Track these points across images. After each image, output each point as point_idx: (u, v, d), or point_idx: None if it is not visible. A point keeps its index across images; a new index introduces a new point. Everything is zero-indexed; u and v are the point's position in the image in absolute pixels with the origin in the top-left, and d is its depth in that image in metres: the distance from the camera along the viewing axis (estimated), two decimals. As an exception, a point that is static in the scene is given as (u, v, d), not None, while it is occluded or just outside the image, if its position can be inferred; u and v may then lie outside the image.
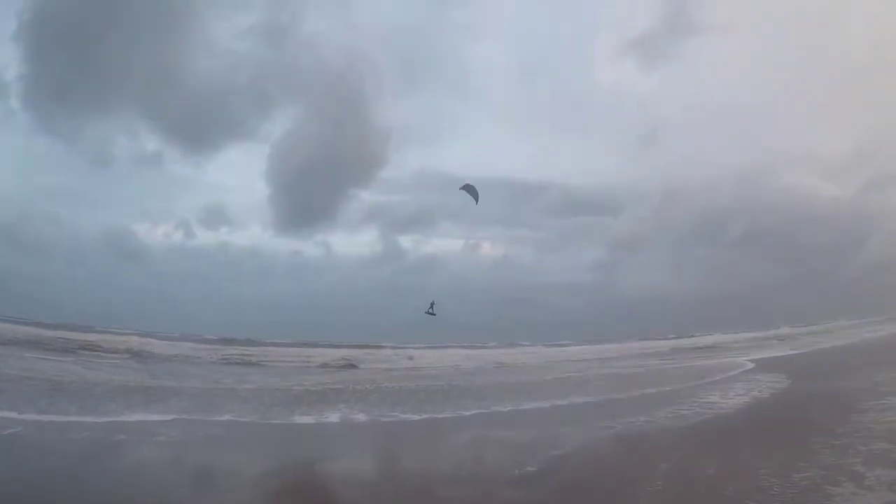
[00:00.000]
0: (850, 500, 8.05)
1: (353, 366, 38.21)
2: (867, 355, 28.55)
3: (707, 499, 8.97)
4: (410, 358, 46.51)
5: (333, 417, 16.38)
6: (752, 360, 30.50)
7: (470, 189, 19.48)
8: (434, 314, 19.78)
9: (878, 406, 13.97)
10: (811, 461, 10.03)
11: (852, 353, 30.34)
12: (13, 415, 13.56)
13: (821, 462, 9.94)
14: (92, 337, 33.65)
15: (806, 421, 13.82)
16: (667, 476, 10.08)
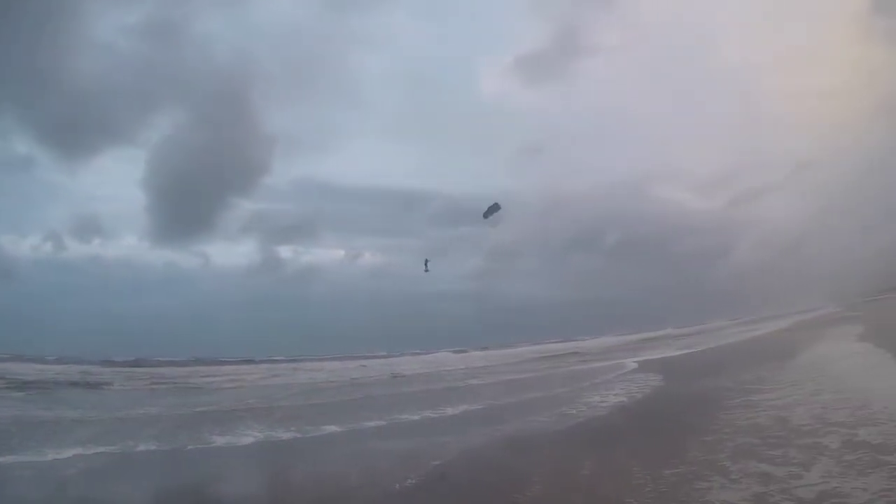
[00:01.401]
0: (718, 493, 8.28)
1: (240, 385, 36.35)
2: (737, 355, 30.62)
3: (584, 499, 9.02)
4: (291, 371, 45.15)
5: (228, 439, 15.90)
6: (635, 362, 31.88)
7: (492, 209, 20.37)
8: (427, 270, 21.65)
9: (743, 403, 14.67)
10: (681, 457, 10.33)
11: (725, 354, 32.43)
12: None
13: (690, 458, 10.23)
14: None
15: (678, 419, 14.33)
16: (545, 479, 10.15)
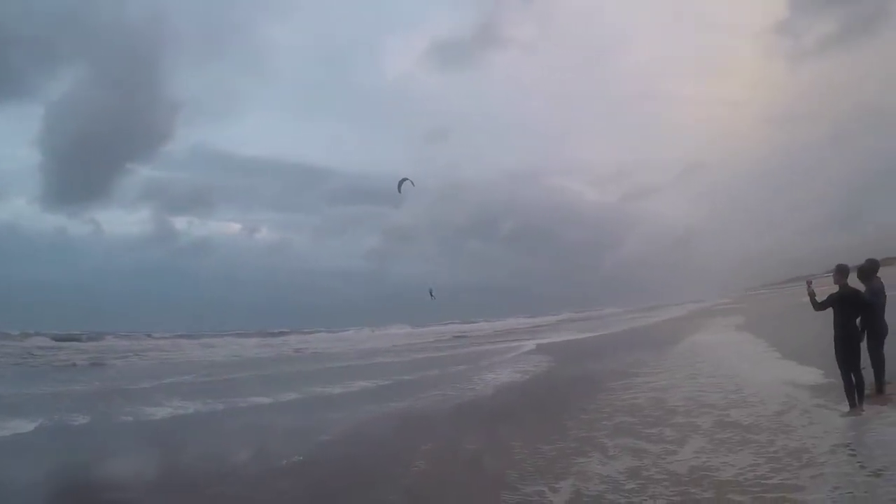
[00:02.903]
0: (595, 467, 8.26)
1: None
2: (623, 341, 32.02)
3: (466, 474, 8.91)
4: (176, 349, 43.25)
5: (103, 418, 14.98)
6: (529, 345, 32.71)
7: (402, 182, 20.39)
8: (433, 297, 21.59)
9: (624, 385, 15.04)
10: (562, 434, 10.44)
11: (612, 339, 33.83)
12: None
13: (571, 435, 10.34)
14: None
15: (561, 398, 14.54)
16: (429, 455, 9.99)
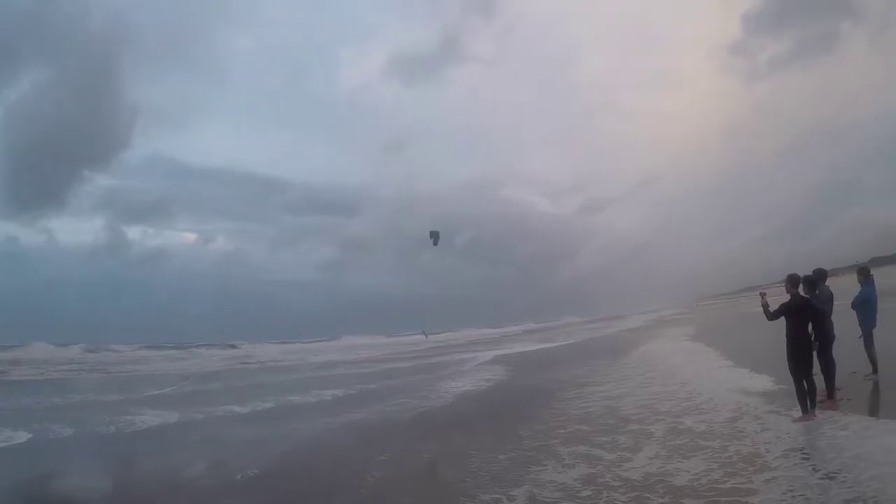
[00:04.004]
0: (550, 475, 8.16)
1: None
2: (577, 351, 32.11)
3: (422, 483, 8.78)
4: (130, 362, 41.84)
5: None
6: (485, 355, 32.59)
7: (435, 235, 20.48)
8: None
9: (578, 394, 15.03)
10: (517, 443, 10.34)
11: (567, 350, 33.96)
12: None
13: (526, 444, 10.22)
14: None
15: (516, 408, 14.44)
16: (386, 465, 9.79)
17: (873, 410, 8.99)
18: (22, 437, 13.72)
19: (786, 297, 9.34)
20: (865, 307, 10.95)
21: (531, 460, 9.00)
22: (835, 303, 10.13)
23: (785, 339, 9.18)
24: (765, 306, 9.45)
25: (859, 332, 10.91)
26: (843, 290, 12.52)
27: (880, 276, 13.16)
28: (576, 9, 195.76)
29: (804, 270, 10.09)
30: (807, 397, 8.94)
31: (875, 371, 10.81)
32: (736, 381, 13.38)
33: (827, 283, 10.22)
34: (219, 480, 9.68)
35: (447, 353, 38.57)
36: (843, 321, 10.36)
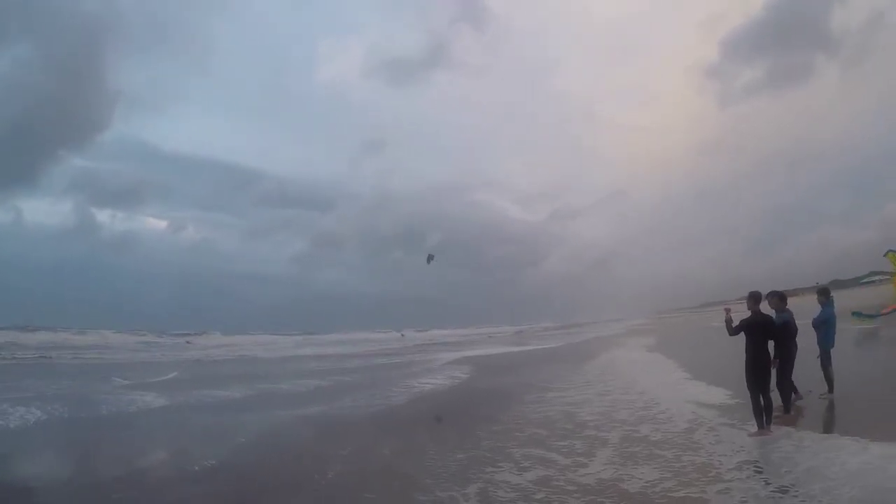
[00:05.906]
0: (505, 476, 8.13)
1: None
2: (540, 357, 32.22)
3: (381, 478, 8.66)
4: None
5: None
6: (449, 357, 32.43)
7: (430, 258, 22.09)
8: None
9: (537, 399, 15.05)
10: (475, 444, 10.32)
11: (529, 355, 33.90)
12: None
13: (483, 445, 10.22)
14: None
15: (476, 409, 14.43)
16: (346, 460, 9.72)
17: (828, 427, 9.12)
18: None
19: (748, 314, 9.43)
20: (825, 327, 11.17)
21: (488, 461, 8.97)
22: (796, 322, 10.28)
23: (745, 355, 9.26)
24: (728, 321, 9.53)
25: (818, 350, 11.11)
26: (805, 309, 12.76)
27: (839, 299, 13.45)
28: (558, 21, 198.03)
29: (765, 288, 10.24)
30: (763, 413, 9.02)
31: (831, 390, 11.01)
32: (692, 392, 13.54)
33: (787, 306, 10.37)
34: (173, 471, 9.47)
35: (410, 353, 38.49)
36: (802, 340, 10.49)
